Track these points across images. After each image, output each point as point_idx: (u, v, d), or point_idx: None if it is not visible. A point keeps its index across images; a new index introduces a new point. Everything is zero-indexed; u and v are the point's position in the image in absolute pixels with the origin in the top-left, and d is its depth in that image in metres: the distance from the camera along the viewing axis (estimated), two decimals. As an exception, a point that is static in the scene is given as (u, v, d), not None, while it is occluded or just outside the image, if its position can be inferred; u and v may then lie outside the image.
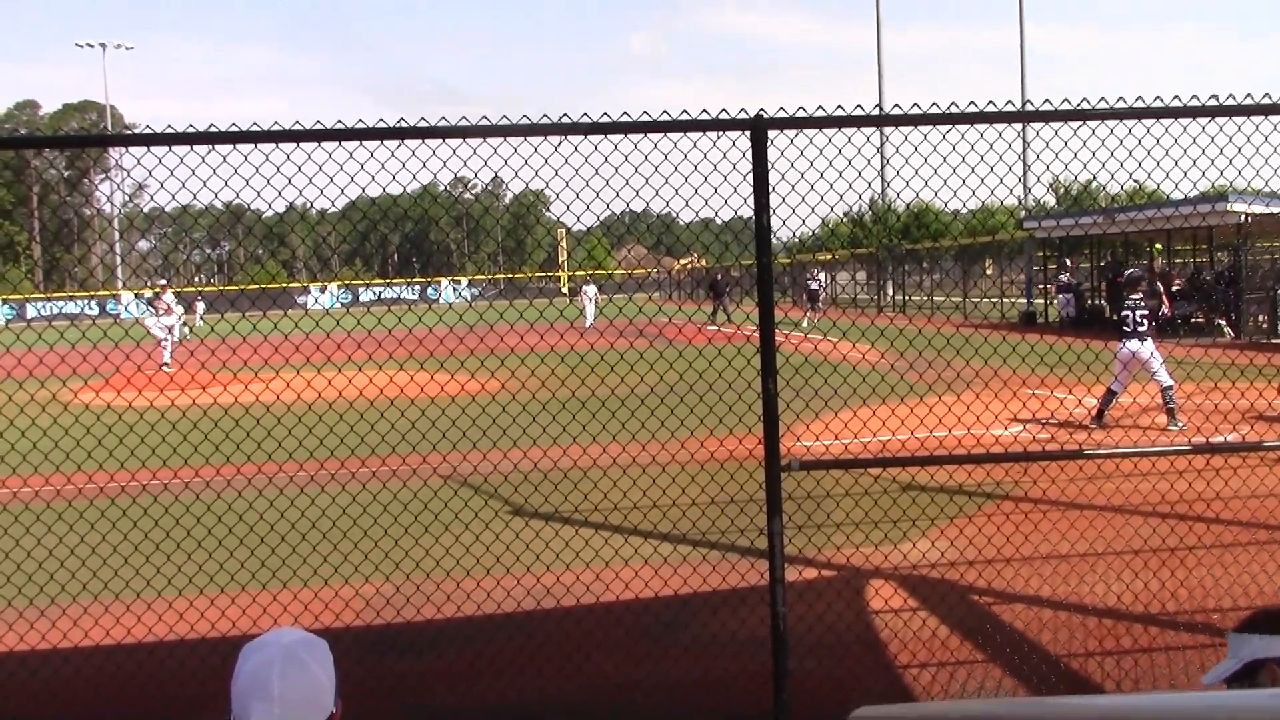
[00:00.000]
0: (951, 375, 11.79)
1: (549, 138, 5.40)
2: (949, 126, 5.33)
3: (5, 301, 71.35)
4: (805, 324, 38.40)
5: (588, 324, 37.05)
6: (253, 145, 5.18)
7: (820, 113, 5.18)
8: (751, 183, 5.25)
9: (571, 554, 7.53)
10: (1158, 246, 35.45)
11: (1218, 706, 1.75)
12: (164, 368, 24.96)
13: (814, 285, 42.29)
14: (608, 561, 7.54)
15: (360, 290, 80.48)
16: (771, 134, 5.18)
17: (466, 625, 7.00)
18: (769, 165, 5.19)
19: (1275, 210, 25.63)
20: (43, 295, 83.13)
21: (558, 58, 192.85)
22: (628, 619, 6.89)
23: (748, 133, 5.18)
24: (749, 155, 5.24)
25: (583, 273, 63.37)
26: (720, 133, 5.38)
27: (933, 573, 7.68)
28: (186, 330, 41.93)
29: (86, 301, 70.28)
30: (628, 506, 8.75)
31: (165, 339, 26.36)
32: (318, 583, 7.37)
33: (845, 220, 59.78)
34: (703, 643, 6.57)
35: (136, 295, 65.44)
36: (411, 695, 5.98)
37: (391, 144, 5.28)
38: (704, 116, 5.30)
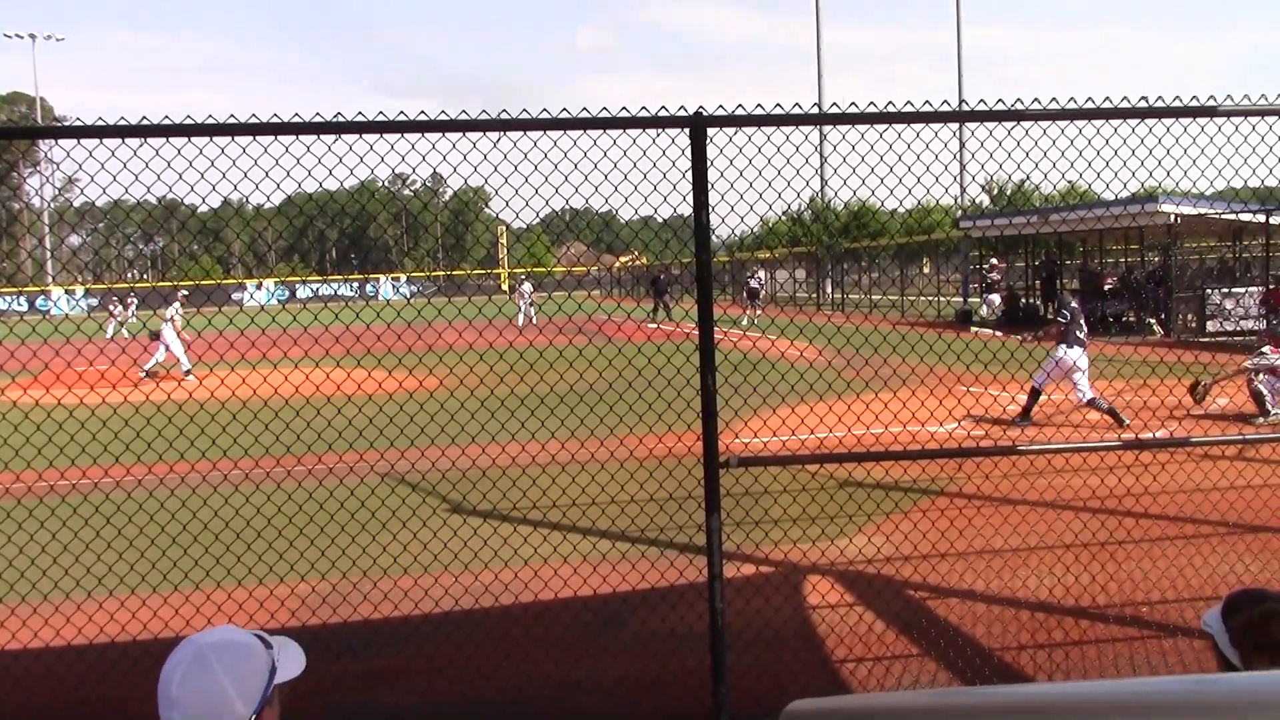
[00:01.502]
0: (889, 373, 11.91)
1: (489, 133, 5.38)
2: (887, 125, 5.38)
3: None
4: (745, 321, 38.56)
5: (521, 323, 36.69)
6: (186, 139, 5.10)
7: (760, 111, 5.20)
8: (691, 180, 5.28)
9: (510, 551, 7.51)
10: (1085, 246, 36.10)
11: (1135, 692, 1.79)
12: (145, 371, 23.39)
13: (754, 283, 42.48)
14: (546, 559, 7.53)
15: (297, 287, 79.59)
16: (711, 131, 5.22)
17: (405, 624, 6.95)
18: (708, 163, 5.22)
19: (1204, 211, 26.17)
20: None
21: (506, 50, 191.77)
22: (567, 616, 6.89)
23: (687, 130, 5.21)
24: (688, 153, 5.28)
25: (521, 270, 63.14)
26: (660, 130, 5.41)
27: (869, 568, 7.75)
28: (120, 328, 41.17)
29: (15, 297, 68.81)
30: (566, 504, 8.74)
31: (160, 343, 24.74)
32: (252, 582, 7.28)
33: (785, 218, 60.12)
34: (643, 639, 6.58)
35: (68, 291, 64.30)
36: (351, 695, 5.92)
37: (329, 138, 5.23)
38: (643, 114, 5.32)
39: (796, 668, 6.01)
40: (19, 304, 67.08)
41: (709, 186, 5.29)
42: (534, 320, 37.33)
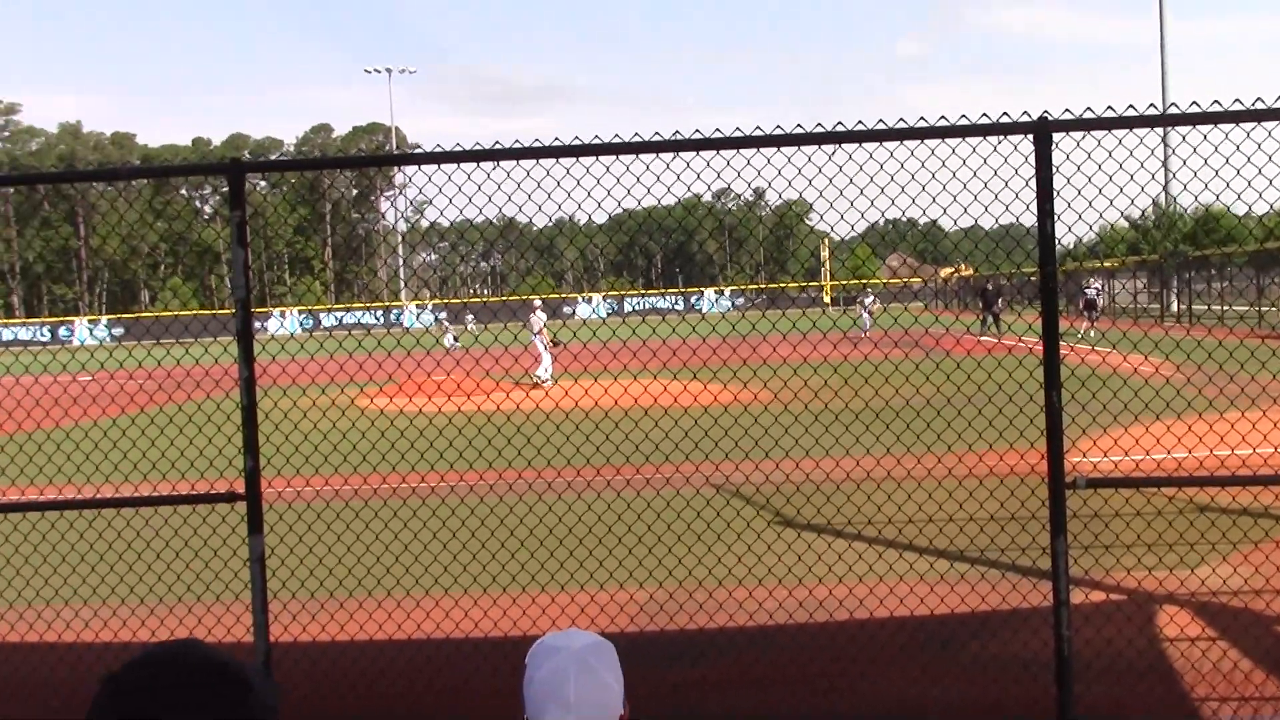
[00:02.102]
0: (1256, 390, 10.97)
1: (823, 146, 5.38)
2: (1234, 125, 4.97)
3: (301, 312, 77.04)
4: (1083, 334, 36.63)
5: (866, 327, 37.17)
6: (524, 161, 5.39)
7: (1110, 113, 4.95)
8: (1035, 187, 5.09)
9: (845, 567, 7.43)
10: None
11: None
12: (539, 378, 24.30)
13: (1091, 293, 40.24)
14: (881, 576, 7.40)
15: (625, 300, 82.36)
16: (1056, 137, 5.03)
17: (738, 635, 7.02)
18: (1053, 169, 5.03)
19: None
20: (333, 306, 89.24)
21: (820, 62, 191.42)
22: (902, 636, 6.75)
23: (1030, 136, 5.03)
24: (1031, 159, 5.09)
25: (845, 282, 62.75)
26: (1001, 137, 5.24)
27: (1234, 600, 7.16)
28: (454, 340, 43.94)
29: (373, 312, 74.74)
30: (902, 521, 8.57)
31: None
32: (594, 587, 7.57)
33: (1127, 225, 56.66)
34: (983, 663, 6.35)
35: (417, 306, 69.36)
36: (683, 703, 6.03)
37: (667, 156, 5.38)
38: (984, 120, 5.17)
39: (1151, 703, 5.63)
40: (372, 317, 72.79)
41: (1054, 194, 5.09)
42: (867, 332, 37.16)
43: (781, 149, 5.32)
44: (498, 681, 5.54)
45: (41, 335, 75.65)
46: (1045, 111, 5.03)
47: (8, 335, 76.60)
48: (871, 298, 40.53)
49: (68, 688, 5.99)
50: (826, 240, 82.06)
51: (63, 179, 7.33)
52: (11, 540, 7.62)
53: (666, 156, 5.38)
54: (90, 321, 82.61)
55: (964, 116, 5.18)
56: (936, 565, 8.10)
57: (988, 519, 7.77)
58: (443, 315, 49.12)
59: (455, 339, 44.44)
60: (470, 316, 49.26)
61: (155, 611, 7.45)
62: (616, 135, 5.27)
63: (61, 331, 77.18)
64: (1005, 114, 5.11)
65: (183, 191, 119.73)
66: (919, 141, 5.25)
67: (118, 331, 73.41)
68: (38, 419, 9.27)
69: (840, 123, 5.21)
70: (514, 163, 5.39)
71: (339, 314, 76.88)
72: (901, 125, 5.23)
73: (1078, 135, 5.11)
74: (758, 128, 5.21)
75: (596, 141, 5.28)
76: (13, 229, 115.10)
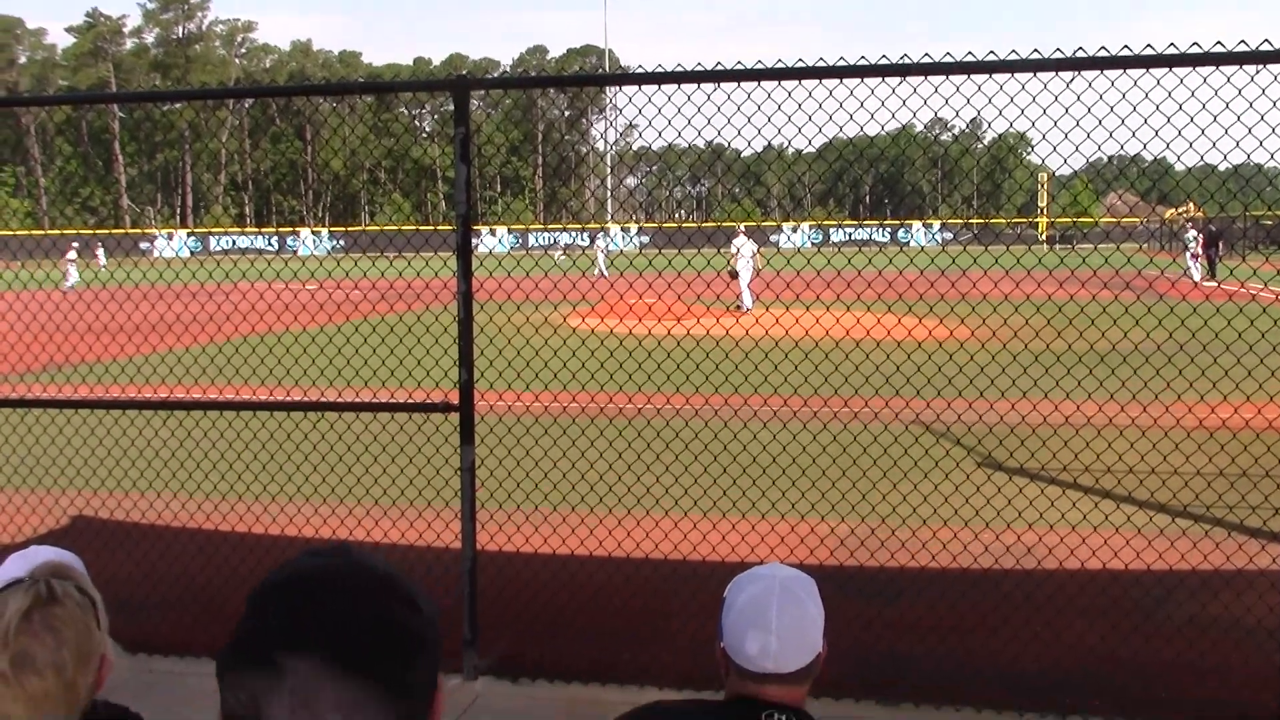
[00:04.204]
0: None
1: (1040, 74, 5.11)
2: None
3: (510, 230, 78.87)
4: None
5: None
6: (736, 84, 5.31)
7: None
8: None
9: (1056, 514, 7.17)
10: None
11: None
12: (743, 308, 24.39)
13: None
14: (1096, 526, 7.11)
15: (832, 230, 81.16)
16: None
17: (940, 577, 6.88)
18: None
19: None
20: (541, 226, 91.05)
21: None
22: (1115, 589, 6.48)
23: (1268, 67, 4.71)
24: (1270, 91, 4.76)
25: (1066, 219, 60.12)
26: (1261, 65, 4.89)
27: None
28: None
29: (579, 233, 75.81)
30: (1122, 470, 8.19)
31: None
32: (794, 517, 7.53)
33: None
34: (1201, 625, 6.05)
35: (624, 228, 69.98)
36: (878, 641, 5.96)
37: (872, 82, 5.20)
38: (1241, 49, 4.83)
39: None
40: (582, 239, 73.82)
41: None
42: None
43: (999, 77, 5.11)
44: (694, 605, 5.59)
45: (271, 245, 79.71)
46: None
47: (244, 242, 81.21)
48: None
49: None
50: (1045, 175, 78.46)
51: (296, 92, 7.62)
52: (242, 436, 8.09)
53: (871, 82, 5.22)
54: (314, 232, 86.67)
55: (1219, 44, 4.87)
56: (1156, 519, 7.73)
57: (1216, 474, 7.33)
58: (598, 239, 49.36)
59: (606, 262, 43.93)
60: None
61: (371, 512, 7.81)
62: (821, 59, 5.14)
63: (289, 241, 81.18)
64: (1267, 41, 4.80)
65: (403, 109, 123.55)
66: (1166, 70, 4.97)
67: (340, 243, 76.77)
68: (269, 323, 9.78)
69: (1081, 47, 4.96)
70: (715, 86, 5.33)
71: (552, 234, 78.41)
72: (1149, 53, 4.94)
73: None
74: (992, 52, 4.98)
75: (800, 64, 5.16)
76: (247, 141, 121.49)
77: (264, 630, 1.38)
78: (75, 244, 44.72)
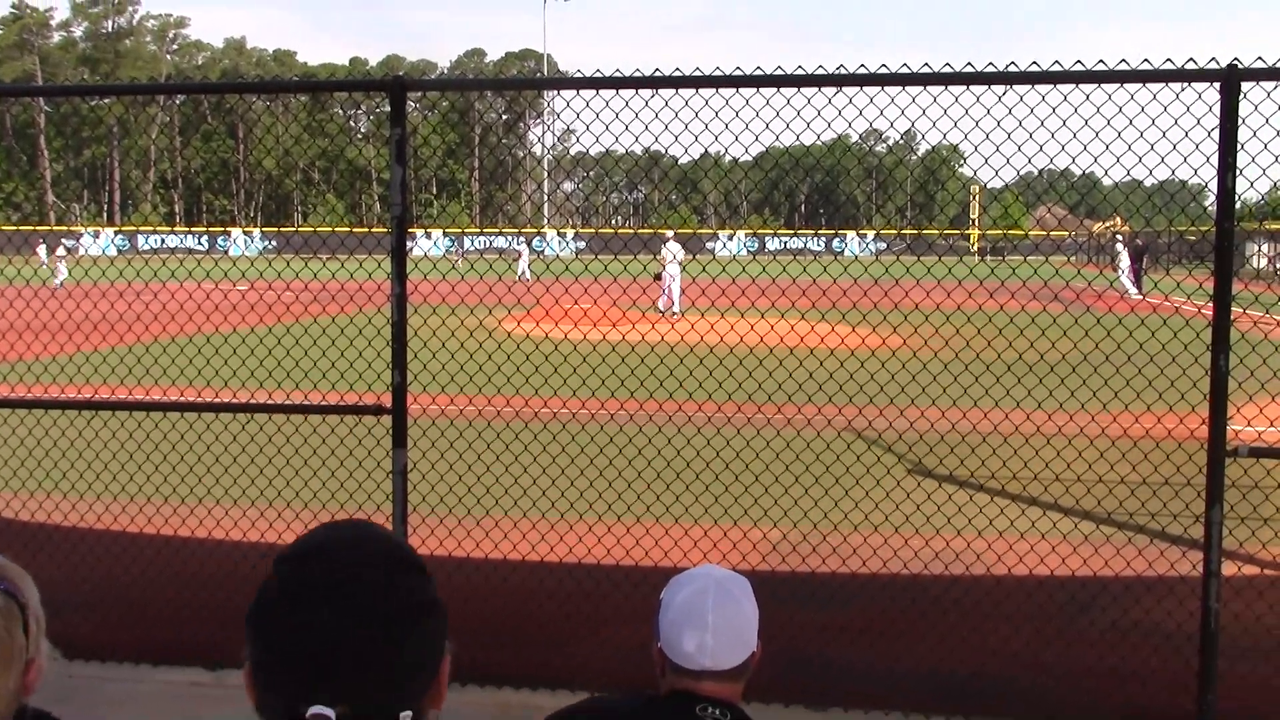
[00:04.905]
0: None
1: (972, 87, 5.19)
2: None
3: (445, 233, 78.40)
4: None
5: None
6: (674, 90, 5.33)
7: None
8: (1219, 139, 4.89)
9: (984, 520, 7.28)
10: None
11: None
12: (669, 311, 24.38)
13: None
14: (1022, 533, 7.21)
15: (767, 239, 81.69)
16: (1244, 86, 4.85)
17: (870, 582, 6.94)
18: (1239, 120, 4.85)
19: None
20: (478, 229, 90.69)
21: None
22: (1040, 595, 6.59)
23: (1217, 85, 4.85)
24: (1216, 109, 4.90)
25: (997, 231, 61.11)
26: (1185, 84, 5.01)
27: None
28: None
29: (515, 237, 75.54)
30: (1048, 478, 8.33)
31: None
32: (727, 522, 7.56)
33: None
34: (1121, 630, 6.17)
35: (559, 233, 69.89)
36: (809, 645, 6.00)
37: (809, 91, 5.25)
38: (1168, 66, 4.95)
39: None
40: (518, 244, 73.70)
41: (1239, 147, 4.90)
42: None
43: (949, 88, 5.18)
44: (627, 610, 5.60)
45: (201, 245, 78.52)
46: (1235, 59, 4.87)
47: (173, 241, 79.93)
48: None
49: (214, 581, 6.26)
50: (976, 189, 79.56)
51: (229, 89, 7.52)
52: (169, 438, 7.96)
53: (808, 92, 5.27)
54: (246, 232, 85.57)
55: (1146, 61, 4.98)
56: (1081, 526, 7.87)
57: (1139, 482, 7.49)
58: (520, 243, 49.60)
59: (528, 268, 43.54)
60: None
61: (301, 516, 7.71)
62: (758, 68, 5.17)
63: (220, 241, 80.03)
64: (1191, 59, 4.91)
65: (338, 109, 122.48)
66: (1095, 86, 5.07)
67: (272, 244, 75.82)
68: (199, 324, 9.63)
69: (1014, 62, 5.05)
70: (652, 92, 5.35)
71: (486, 238, 77.99)
72: (1079, 69, 5.04)
73: (1269, 85, 4.93)
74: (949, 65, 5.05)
75: (738, 74, 5.19)
76: (178, 138, 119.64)
77: (287, 590, 1.51)
78: (66, 242, 44.24)
